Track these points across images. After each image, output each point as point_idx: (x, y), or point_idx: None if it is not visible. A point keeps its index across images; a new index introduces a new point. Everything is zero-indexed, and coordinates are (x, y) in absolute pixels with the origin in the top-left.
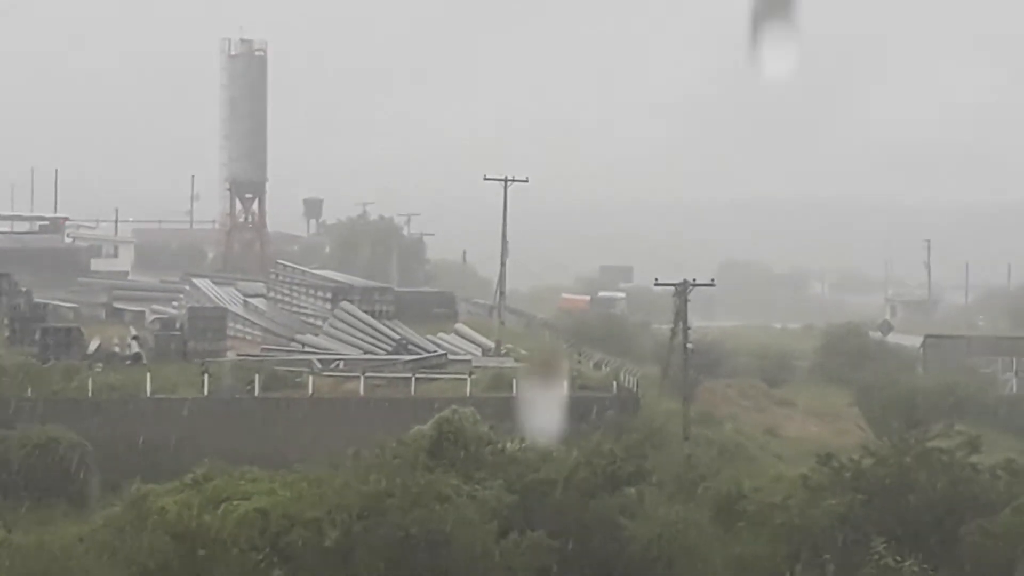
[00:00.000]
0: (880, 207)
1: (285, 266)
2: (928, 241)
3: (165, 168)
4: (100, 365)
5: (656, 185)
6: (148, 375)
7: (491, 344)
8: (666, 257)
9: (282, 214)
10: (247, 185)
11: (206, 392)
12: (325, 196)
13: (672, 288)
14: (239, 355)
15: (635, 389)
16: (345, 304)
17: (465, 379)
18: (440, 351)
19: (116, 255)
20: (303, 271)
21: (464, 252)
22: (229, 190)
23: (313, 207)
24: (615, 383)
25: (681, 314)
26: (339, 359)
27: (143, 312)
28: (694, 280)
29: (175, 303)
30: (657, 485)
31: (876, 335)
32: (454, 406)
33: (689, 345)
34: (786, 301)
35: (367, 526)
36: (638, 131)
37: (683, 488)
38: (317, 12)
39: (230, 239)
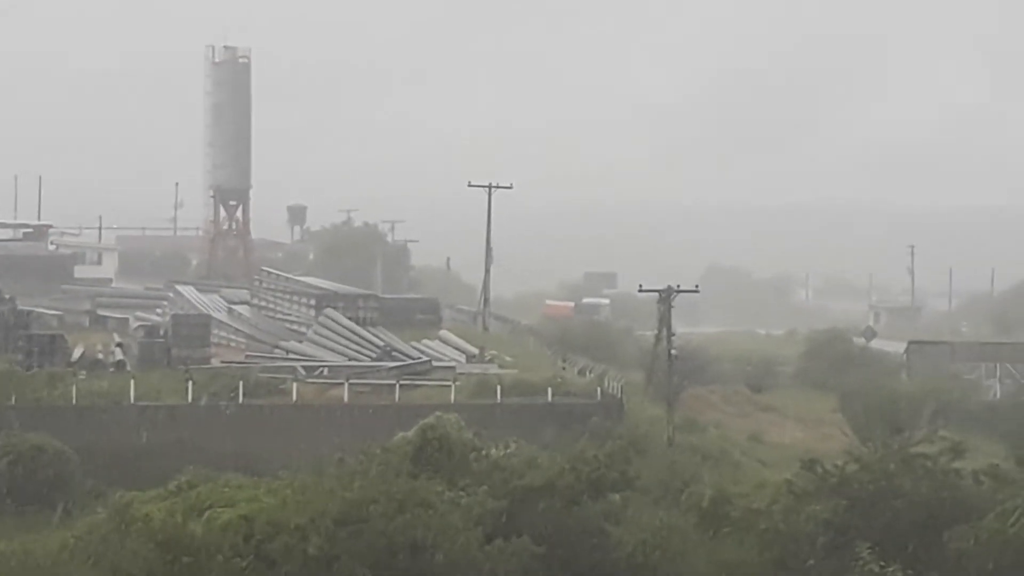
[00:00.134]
0: (864, 213)
1: (269, 273)
2: (912, 247)
3: (149, 175)
4: (84, 372)
5: (641, 191)
6: (132, 382)
7: (475, 350)
8: (650, 263)
9: (266, 221)
10: (231, 192)
11: (190, 399)
12: (309, 203)
13: (656, 294)
14: (223, 362)
15: (619, 395)
16: (329, 311)
17: (449, 386)
18: (424, 358)
19: (100, 262)
20: (287, 278)
21: (448, 259)
22: (213, 197)
23: (297, 214)
24: (599, 389)
25: (665, 320)
26: (323, 366)
27: (127, 319)
28: (678, 286)
29: (159, 310)
30: (642, 491)
31: (860, 341)
32: (438, 412)
33: (673, 351)
34: (770, 307)
35: (351, 533)
36: (622, 137)
37: (668, 494)
38: (301, 17)
39: (214, 246)
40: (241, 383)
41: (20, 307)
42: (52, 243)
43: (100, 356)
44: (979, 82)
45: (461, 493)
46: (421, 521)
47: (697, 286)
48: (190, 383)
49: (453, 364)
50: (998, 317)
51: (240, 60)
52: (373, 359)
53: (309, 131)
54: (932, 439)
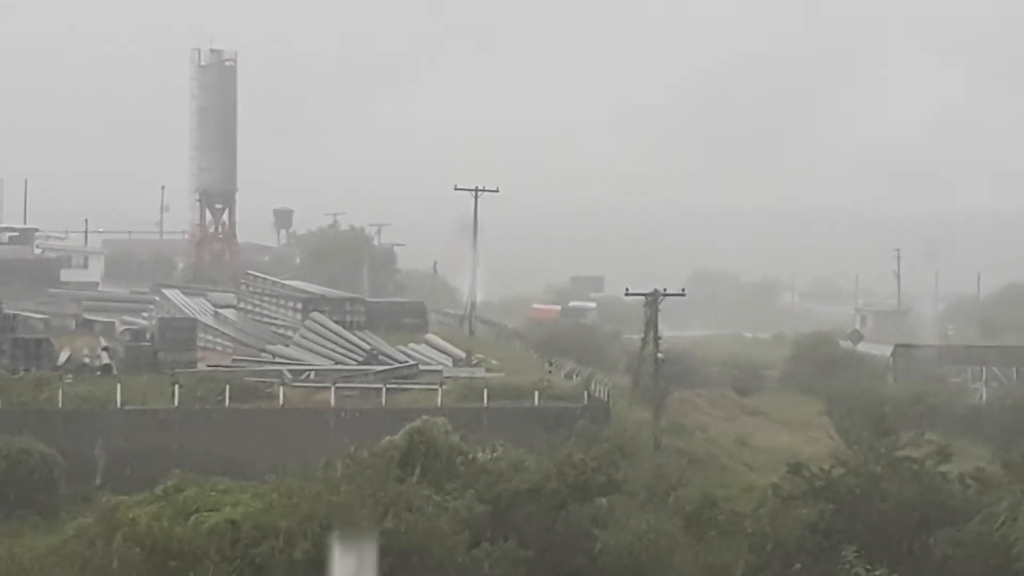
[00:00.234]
0: (850, 216)
1: (255, 276)
2: (898, 250)
3: (134, 179)
4: (70, 376)
5: (629, 194)
6: (118, 386)
7: (462, 354)
8: (637, 267)
9: (252, 224)
10: (217, 195)
11: (176, 403)
12: (295, 206)
13: (643, 298)
14: (209, 366)
15: (606, 399)
16: (316, 314)
17: (436, 389)
18: (411, 361)
19: (86, 266)
20: (273, 281)
21: (435, 262)
22: (199, 200)
23: (283, 217)
24: (586, 393)
25: (652, 324)
26: (310, 370)
27: (113, 323)
28: (665, 290)
29: (145, 314)
30: (628, 495)
31: (846, 344)
32: (425, 416)
33: (660, 355)
34: (757, 310)
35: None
36: (611, 139)
37: (654, 498)
38: (288, 19)
39: (200, 250)
40: (228, 387)
41: (6, 311)
42: (38, 247)
43: (86, 360)
44: (966, 86)
45: (448, 497)
46: (408, 525)
47: (684, 289)
48: (176, 387)
49: (440, 368)
50: (984, 320)
51: (226, 63)
52: (360, 363)
53: (297, 134)
54: (918, 442)
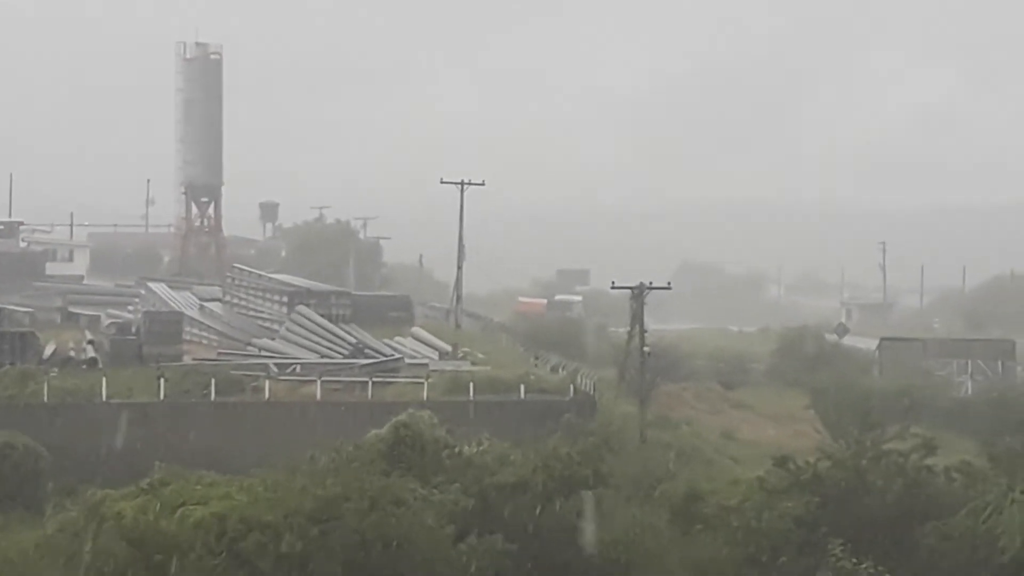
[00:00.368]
0: (836, 210)
1: (241, 270)
2: (883, 244)
3: (120, 172)
4: (56, 370)
5: (615, 188)
6: (104, 380)
7: (448, 348)
8: (622, 260)
9: (238, 218)
10: (203, 189)
11: (162, 396)
12: (281, 200)
13: (629, 291)
14: (195, 359)
15: (592, 392)
16: (301, 308)
17: (422, 383)
18: (397, 355)
19: (71, 259)
20: (259, 275)
21: (421, 256)
22: (185, 194)
23: (269, 211)
24: (572, 386)
25: (638, 317)
26: (296, 363)
27: (99, 316)
28: (650, 283)
29: (131, 307)
30: (614, 489)
31: (832, 338)
32: (411, 409)
33: (646, 348)
34: (742, 304)
35: (324, 530)
36: (597, 134)
37: (640, 491)
38: (273, 13)
39: (186, 243)
40: (213, 380)
41: None
42: (24, 240)
43: (72, 353)
44: (950, 81)
45: (434, 490)
46: (394, 518)
47: (669, 283)
48: (162, 380)
49: (426, 361)
50: (969, 314)
51: (212, 56)
52: (345, 356)
53: (283, 128)
54: (904, 436)
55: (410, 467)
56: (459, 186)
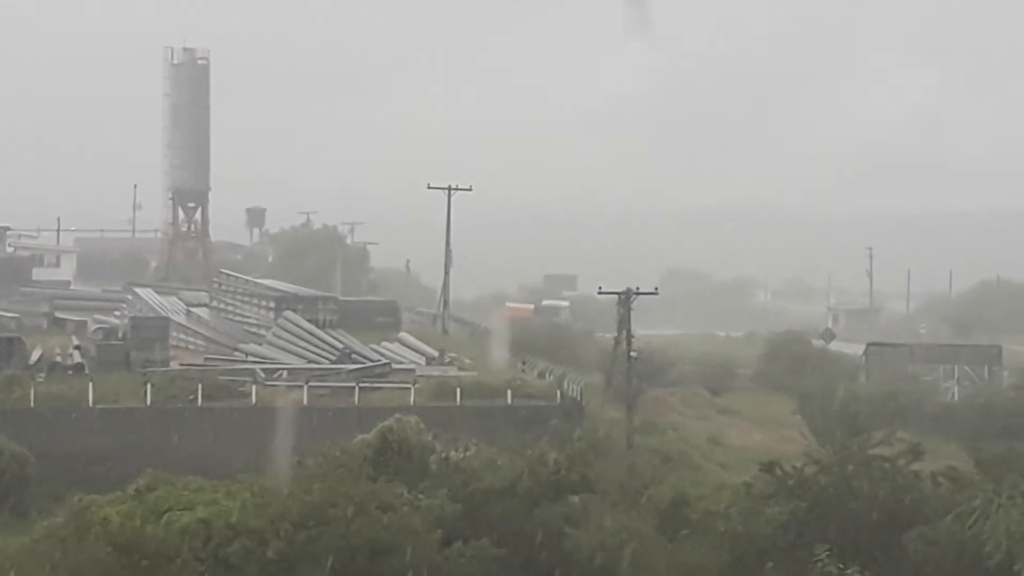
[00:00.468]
0: (823, 216)
1: (228, 275)
2: (870, 249)
3: (107, 177)
4: (42, 375)
5: (603, 193)
6: (91, 385)
7: (435, 353)
8: (610, 266)
9: (225, 223)
10: (190, 194)
11: (149, 402)
12: (268, 205)
13: (616, 297)
14: (182, 364)
15: (579, 398)
16: (288, 313)
17: (409, 388)
18: (384, 360)
19: (58, 264)
20: (246, 280)
21: (408, 261)
22: (172, 199)
23: (256, 216)
24: (559, 392)
25: (624, 323)
26: (282, 368)
27: (85, 322)
28: (637, 289)
29: (117, 313)
30: (601, 494)
31: (819, 343)
32: (398, 415)
33: (633, 353)
34: (729, 309)
35: (310, 536)
36: (583, 140)
37: (627, 497)
38: (273, 14)
39: (173, 248)
40: (200, 386)
41: None
42: (10, 245)
43: (58, 359)
44: (938, 87)
45: (420, 496)
46: (381, 524)
47: (656, 288)
48: (149, 386)
49: (413, 366)
50: (956, 319)
51: (199, 61)
52: (332, 361)
53: (280, 129)
54: (890, 441)
55: (397, 472)
56: (446, 191)
